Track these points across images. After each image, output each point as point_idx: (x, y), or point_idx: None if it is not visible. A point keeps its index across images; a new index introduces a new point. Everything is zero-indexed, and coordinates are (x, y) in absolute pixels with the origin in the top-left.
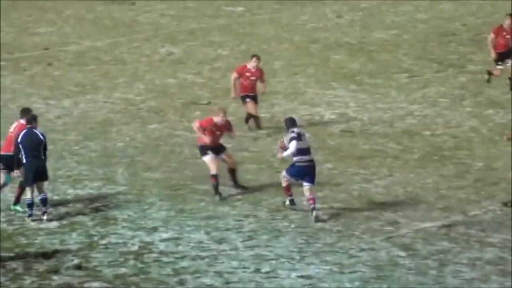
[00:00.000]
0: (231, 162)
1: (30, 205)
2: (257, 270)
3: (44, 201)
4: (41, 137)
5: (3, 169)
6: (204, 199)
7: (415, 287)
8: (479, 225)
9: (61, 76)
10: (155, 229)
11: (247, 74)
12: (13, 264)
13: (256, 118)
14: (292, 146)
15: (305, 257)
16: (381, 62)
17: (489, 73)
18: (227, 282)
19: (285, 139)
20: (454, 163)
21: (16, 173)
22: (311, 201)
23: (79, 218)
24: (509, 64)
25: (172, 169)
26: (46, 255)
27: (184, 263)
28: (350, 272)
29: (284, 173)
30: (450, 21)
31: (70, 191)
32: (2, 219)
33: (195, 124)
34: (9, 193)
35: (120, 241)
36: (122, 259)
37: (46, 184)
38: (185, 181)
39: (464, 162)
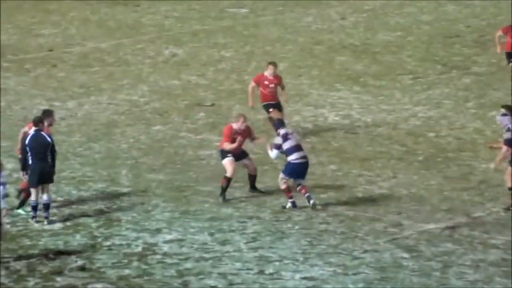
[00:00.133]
0: (252, 169)
1: (34, 207)
2: (261, 272)
3: (47, 206)
4: (49, 139)
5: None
6: (208, 200)
7: None
8: (483, 226)
9: (65, 77)
10: (158, 231)
11: (266, 82)
12: (16, 266)
13: None
14: (273, 154)
15: (309, 258)
16: (385, 63)
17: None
18: (231, 284)
19: (275, 141)
20: (458, 164)
21: (23, 176)
22: (304, 190)
23: (83, 219)
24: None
25: (176, 171)
26: (49, 257)
27: (188, 265)
28: (354, 274)
29: (281, 175)
30: (454, 22)
31: (74, 192)
32: (7, 220)
33: (224, 145)
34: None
35: (124, 242)
36: (126, 261)
37: (50, 186)
38: (189, 183)
39: (468, 163)
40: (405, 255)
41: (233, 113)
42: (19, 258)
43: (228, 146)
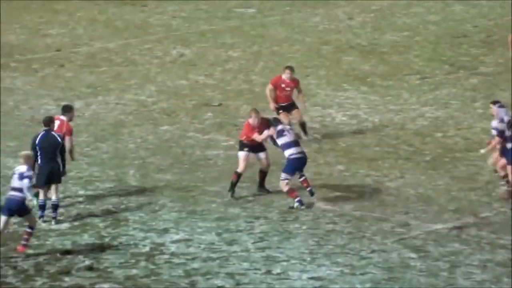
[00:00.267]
0: (265, 165)
1: (42, 207)
2: (268, 272)
3: (55, 207)
4: (59, 139)
5: None
6: (215, 200)
7: None
8: (490, 227)
9: (72, 77)
10: (166, 231)
11: (283, 85)
12: (24, 265)
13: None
14: (261, 137)
15: (316, 258)
16: (392, 63)
17: None
18: (238, 284)
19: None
20: (465, 164)
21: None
22: (305, 183)
23: (91, 219)
24: None
25: (184, 171)
26: (57, 256)
27: (195, 265)
28: (361, 274)
29: (283, 175)
30: (462, 23)
31: (82, 192)
32: (14, 220)
33: (254, 136)
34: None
35: (131, 242)
36: (133, 261)
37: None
38: (196, 183)
39: (475, 163)
40: (413, 255)
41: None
42: (26, 257)
43: (258, 137)
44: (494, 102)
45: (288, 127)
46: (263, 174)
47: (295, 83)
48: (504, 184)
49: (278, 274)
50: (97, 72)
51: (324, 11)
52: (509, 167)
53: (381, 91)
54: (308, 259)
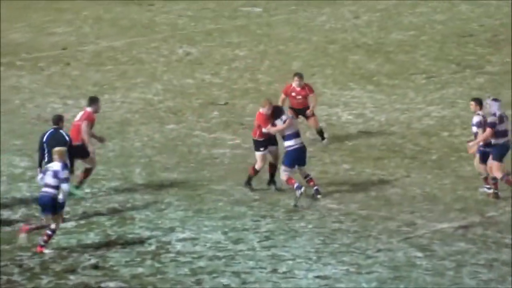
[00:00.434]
0: (275, 156)
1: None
2: (274, 271)
3: (61, 206)
4: (66, 138)
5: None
6: (222, 199)
7: None
8: (496, 226)
9: (78, 76)
10: (172, 229)
11: (293, 94)
12: (30, 263)
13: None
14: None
15: (322, 257)
16: (398, 63)
17: None
18: (244, 282)
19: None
20: (471, 164)
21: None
22: (312, 183)
23: (96, 217)
24: None
25: (190, 170)
26: (62, 255)
27: (201, 263)
28: (367, 273)
29: (283, 167)
30: (468, 22)
31: (88, 190)
32: (20, 218)
33: (270, 129)
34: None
35: (137, 241)
36: (139, 259)
37: None
38: (202, 182)
39: None
40: (419, 254)
41: (261, 101)
42: (32, 256)
43: (272, 129)
44: (488, 97)
45: (291, 115)
46: (273, 168)
47: (305, 91)
48: (490, 188)
49: (284, 273)
50: (103, 70)
51: (330, 10)
52: (494, 162)
53: (387, 90)
54: (314, 258)
